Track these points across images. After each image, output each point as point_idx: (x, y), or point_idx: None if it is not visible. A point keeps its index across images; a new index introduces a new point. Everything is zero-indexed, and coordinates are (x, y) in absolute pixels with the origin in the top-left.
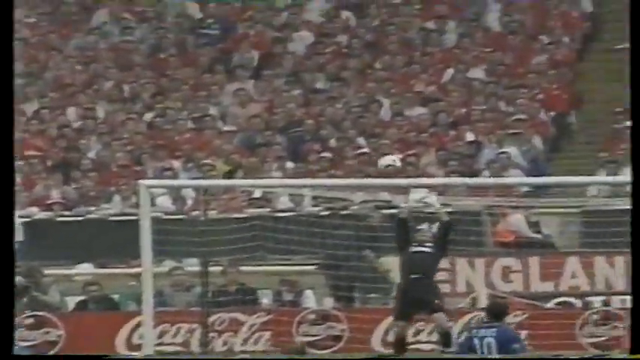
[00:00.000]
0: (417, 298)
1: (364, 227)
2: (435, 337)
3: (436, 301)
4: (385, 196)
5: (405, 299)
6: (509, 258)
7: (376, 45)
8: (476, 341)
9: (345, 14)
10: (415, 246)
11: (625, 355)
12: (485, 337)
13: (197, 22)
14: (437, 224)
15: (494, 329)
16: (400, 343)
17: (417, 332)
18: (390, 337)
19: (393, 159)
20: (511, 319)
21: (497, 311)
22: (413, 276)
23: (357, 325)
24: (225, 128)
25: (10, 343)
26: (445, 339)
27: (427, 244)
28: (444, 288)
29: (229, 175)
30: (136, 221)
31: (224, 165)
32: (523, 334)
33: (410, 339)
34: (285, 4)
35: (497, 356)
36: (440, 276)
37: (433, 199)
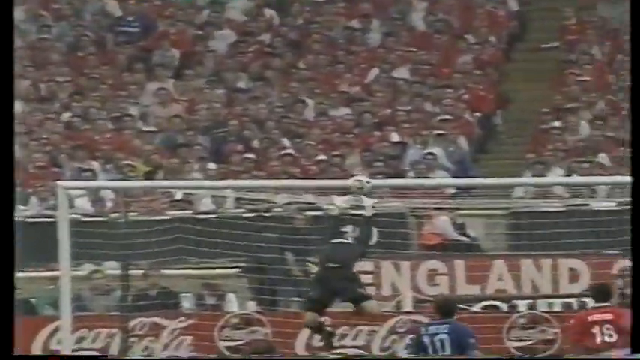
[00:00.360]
0: (334, 287)
1: (288, 230)
2: (360, 341)
3: (359, 290)
4: (309, 197)
5: (320, 288)
6: (434, 260)
7: (300, 44)
8: (426, 339)
9: (268, 12)
10: (337, 239)
11: (628, 354)
12: (437, 333)
13: (116, 20)
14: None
15: (446, 325)
16: (318, 330)
17: (342, 336)
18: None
19: (365, 181)
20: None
21: (447, 308)
22: (330, 265)
23: (281, 328)
24: (146, 128)
25: (10, 343)
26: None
27: (349, 238)
28: (369, 291)
29: (150, 176)
30: (53, 223)
31: (144, 166)
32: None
33: (335, 343)
34: (207, 1)
35: (457, 356)
36: (365, 279)
37: (367, 201)
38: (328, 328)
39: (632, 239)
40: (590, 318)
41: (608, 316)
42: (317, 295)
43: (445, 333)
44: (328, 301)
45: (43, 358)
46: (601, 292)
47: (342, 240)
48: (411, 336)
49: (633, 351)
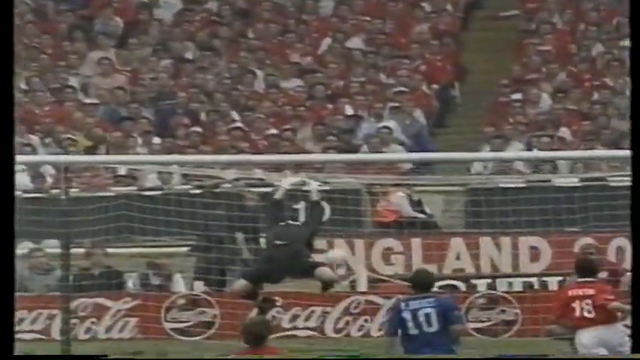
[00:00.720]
0: (281, 265)
1: (238, 207)
2: (312, 323)
3: (309, 260)
4: (259, 173)
5: (267, 265)
6: (390, 239)
7: (249, 12)
8: (406, 315)
9: None
10: (284, 221)
11: (629, 355)
12: (420, 308)
13: None
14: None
15: (430, 299)
16: (250, 297)
17: (294, 318)
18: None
19: (342, 257)
20: (392, 303)
21: (426, 282)
22: (278, 242)
23: (230, 310)
24: (87, 100)
25: (11, 343)
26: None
27: (300, 216)
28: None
29: (92, 150)
30: None
31: (86, 140)
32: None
33: (286, 325)
34: None
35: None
36: (317, 258)
37: (311, 183)
38: (263, 297)
39: (633, 237)
40: (570, 293)
41: (590, 291)
42: (260, 270)
43: (431, 307)
44: (272, 278)
45: (44, 358)
46: (585, 268)
47: (290, 222)
48: (389, 313)
49: (633, 351)
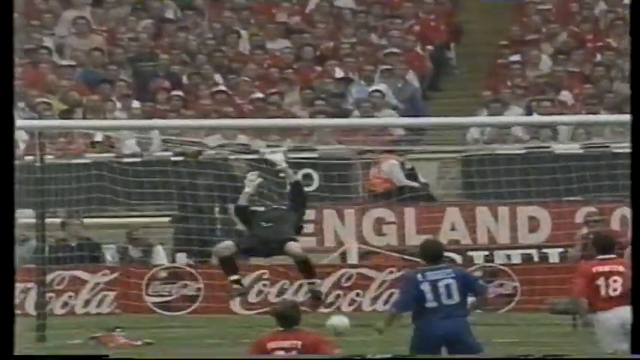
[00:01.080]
0: (266, 241)
1: (226, 176)
2: (300, 297)
3: (285, 234)
4: (243, 139)
5: (252, 240)
6: (382, 209)
7: None
8: (424, 286)
9: None
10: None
11: (630, 355)
12: (440, 279)
13: None
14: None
15: (448, 270)
16: (224, 263)
17: (281, 291)
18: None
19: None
20: (384, 276)
21: (435, 252)
22: (264, 224)
23: (214, 283)
24: (63, 62)
25: (11, 343)
26: (305, 266)
27: (282, 204)
28: (310, 242)
29: (67, 114)
30: None
31: (61, 104)
32: (397, 292)
33: (273, 299)
34: None
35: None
36: (306, 229)
37: (277, 157)
38: (236, 279)
39: (633, 232)
40: (594, 269)
41: (619, 267)
42: (247, 241)
43: (451, 278)
44: (257, 251)
45: (44, 358)
46: (605, 243)
47: (275, 206)
48: (403, 285)
49: (633, 351)
